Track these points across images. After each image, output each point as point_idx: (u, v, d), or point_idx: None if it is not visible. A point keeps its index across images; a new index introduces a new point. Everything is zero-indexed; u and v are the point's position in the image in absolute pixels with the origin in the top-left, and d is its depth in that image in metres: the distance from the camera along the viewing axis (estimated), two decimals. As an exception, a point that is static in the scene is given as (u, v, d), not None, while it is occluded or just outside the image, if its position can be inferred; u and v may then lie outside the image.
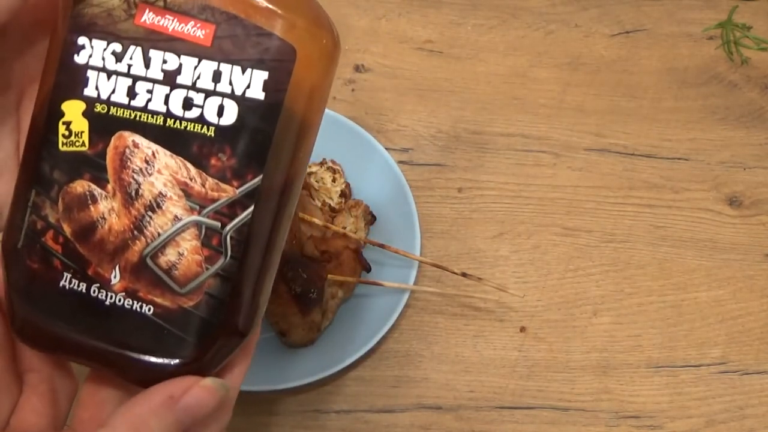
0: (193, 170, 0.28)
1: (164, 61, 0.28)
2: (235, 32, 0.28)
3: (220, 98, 0.28)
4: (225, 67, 0.28)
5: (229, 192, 0.28)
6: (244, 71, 0.28)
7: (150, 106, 0.28)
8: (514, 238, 0.62)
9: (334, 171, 0.61)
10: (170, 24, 0.28)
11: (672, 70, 0.71)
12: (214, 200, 0.28)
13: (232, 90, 0.28)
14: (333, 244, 0.56)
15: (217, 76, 0.28)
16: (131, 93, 0.28)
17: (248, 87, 0.28)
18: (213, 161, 0.28)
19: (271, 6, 0.28)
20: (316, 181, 0.60)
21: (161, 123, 0.28)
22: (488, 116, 0.68)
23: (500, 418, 0.55)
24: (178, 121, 0.28)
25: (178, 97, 0.28)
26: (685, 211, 0.64)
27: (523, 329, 0.58)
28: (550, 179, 0.65)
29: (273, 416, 0.54)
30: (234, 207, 0.28)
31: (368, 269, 0.57)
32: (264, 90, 0.28)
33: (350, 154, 0.61)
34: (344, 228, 0.57)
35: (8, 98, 0.31)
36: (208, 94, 0.28)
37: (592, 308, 0.60)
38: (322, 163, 0.61)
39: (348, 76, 0.69)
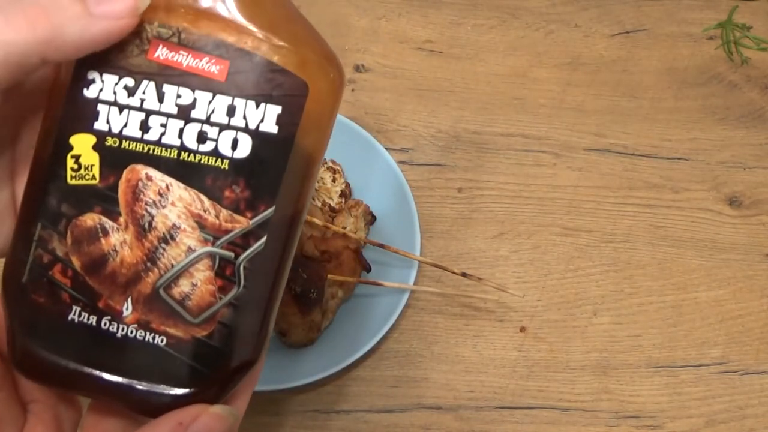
0: (207, 202, 0.29)
1: (178, 96, 0.29)
2: (249, 68, 0.28)
3: (234, 132, 0.29)
4: (239, 102, 0.29)
5: (242, 223, 0.29)
6: (258, 106, 0.29)
7: (164, 140, 0.29)
8: (514, 238, 0.62)
9: (334, 171, 0.61)
10: (184, 60, 0.28)
11: (672, 70, 0.71)
12: (227, 231, 0.29)
13: (246, 124, 0.29)
14: (333, 244, 0.56)
15: (231, 111, 0.29)
16: (144, 127, 0.29)
17: (262, 121, 0.29)
18: (227, 193, 0.29)
19: (284, 43, 0.29)
20: (316, 181, 0.60)
21: (175, 156, 0.29)
22: (488, 116, 0.68)
23: (500, 418, 0.55)
24: (192, 155, 0.29)
25: (192, 130, 0.29)
26: (685, 211, 0.64)
27: (523, 329, 0.58)
28: (550, 179, 0.65)
29: (273, 416, 0.54)
30: (247, 237, 0.29)
31: (368, 269, 0.57)
32: (277, 124, 0.29)
33: (350, 154, 0.61)
34: (344, 228, 0.57)
35: (4, 129, 0.31)
36: (222, 128, 0.29)
37: (592, 308, 0.60)
38: (322, 163, 0.61)
39: (348, 76, 0.69)
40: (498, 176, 0.65)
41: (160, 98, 0.29)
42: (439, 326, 0.58)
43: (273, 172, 0.29)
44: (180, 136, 0.29)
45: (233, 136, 0.29)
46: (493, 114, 0.68)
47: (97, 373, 0.29)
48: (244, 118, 0.29)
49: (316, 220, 0.55)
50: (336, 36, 0.71)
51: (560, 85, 0.70)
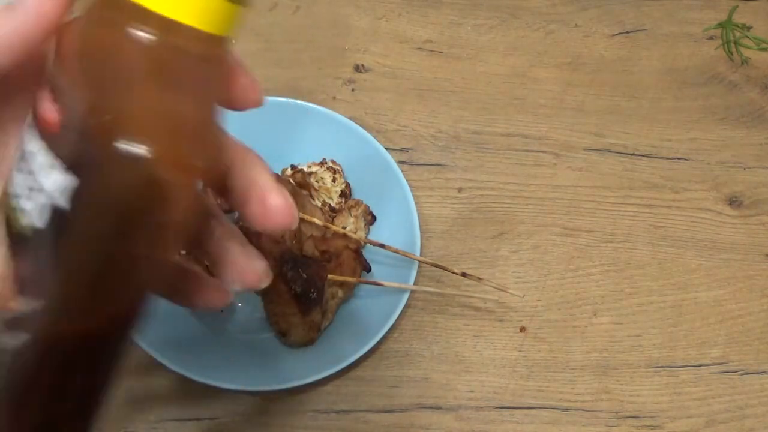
0: None
1: None
2: None
3: None
4: None
5: None
6: None
7: None
8: (514, 238, 0.62)
9: (334, 171, 0.60)
10: None
11: (672, 70, 0.71)
12: None
13: None
14: (333, 244, 0.56)
15: None
16: None
17: None
18: None
19: None
20: (316, 181, 0.60)
21: None
22: (488, 116, 0.68)
23: (500, 418, 0.55)
24: None
25: None
26: (685, 211, 0.64)
27: (523, 329, 0.58)
28: (550, 179, 0.65)
29: (273, 416, 0.54)
30: None
31: (368, 269, 0.57)
32: None
33: (350, 154, 0.61)
34: (344, 228, 0.57)
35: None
36: None
37: (592, 308, 0.60)
38: (322, 163, 0.61)
39: (348, 76, 0.69)
40: (498, 176, 0.65)
41: None
42: (439, 326, 0.58)
43: None
44: None
45: None
46: (493, 114, 0.68)
47: None
48: None
49: (316, 220, 0.55)
50: (336, 36, 0.71)
51: (560, 85, 0.70)
